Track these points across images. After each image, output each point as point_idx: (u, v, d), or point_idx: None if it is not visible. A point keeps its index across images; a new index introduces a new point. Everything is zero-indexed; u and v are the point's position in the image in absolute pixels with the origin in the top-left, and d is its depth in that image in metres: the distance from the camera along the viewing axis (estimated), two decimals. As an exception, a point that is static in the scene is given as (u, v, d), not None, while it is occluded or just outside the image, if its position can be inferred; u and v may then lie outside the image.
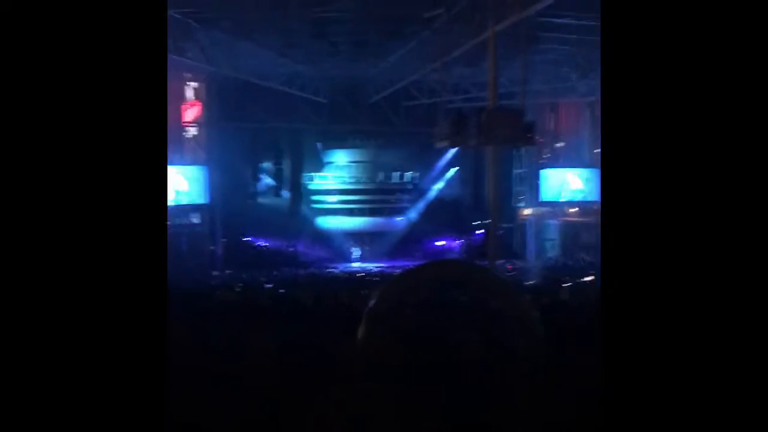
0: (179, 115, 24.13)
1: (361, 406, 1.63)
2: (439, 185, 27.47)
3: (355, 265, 25.19)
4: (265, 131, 24.60)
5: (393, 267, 22.87)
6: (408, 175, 26.71)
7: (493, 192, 15.55)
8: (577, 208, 26.32)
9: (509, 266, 21.23)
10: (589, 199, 25.36)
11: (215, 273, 21.63)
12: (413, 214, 27.46)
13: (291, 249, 25.67)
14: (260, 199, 25.47)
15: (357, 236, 26.91)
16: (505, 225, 24.44)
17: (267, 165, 25.49)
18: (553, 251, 25.33)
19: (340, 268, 24.13)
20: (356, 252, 26.42)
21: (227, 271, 21.59)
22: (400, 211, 27.27)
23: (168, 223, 23.19)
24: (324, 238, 26.58)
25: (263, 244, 25.38)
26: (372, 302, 1.75)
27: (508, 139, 13.87)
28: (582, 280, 13.27)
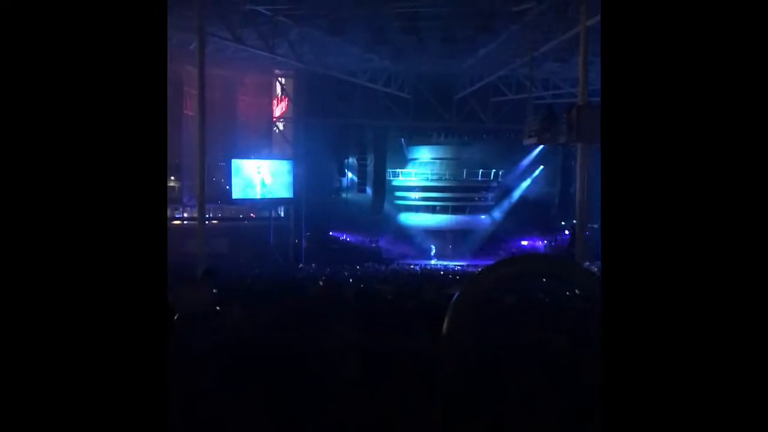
0: (269, 110, 24.86)
1: (443, 403, 1.59)
2: (526, 183, 26.87)
3: (435, 262, 25.02)
4: (350, 127, 24.86)
5: (475, 265, 22.58)
6: (493, 172, 26.30)
7: (581, 190, 15.04)
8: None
9: (595, 268, 20.51)
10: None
11: (301, 266, 22.10)
12: (497, 213, 27.01)
13: (373, 245, 25.85)
14: (344, 195, 25.77)
15: (440, 234, 26.77)
16: (593, 225, 23.63)
17: (351, 161, 25.74)
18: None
19: (422, 265, 24.08)
20: (433, 249, 26.24)
21: (312, 265, 22.02)
22: (484, 209, 26.89)
23: (254, 215, 24.03)
24: (406, 235, 26.60)
25: (346, 239, 25.69)
26: (456, 296, 1.69)
27: (599, 137, 13.39)
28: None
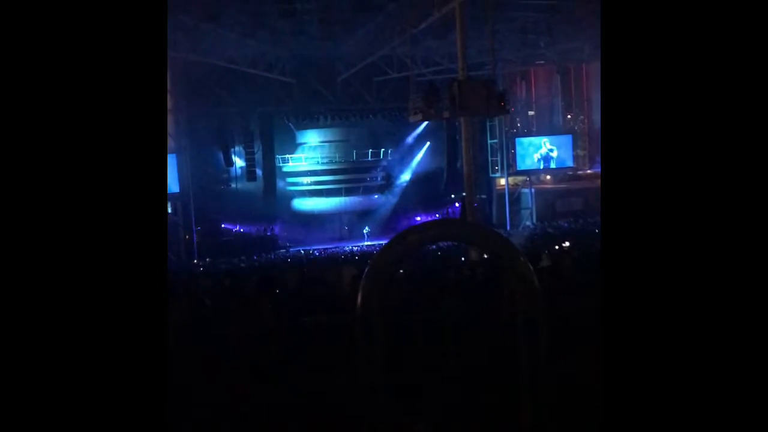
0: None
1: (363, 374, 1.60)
2: (415, 161, 27.38)
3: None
4: (235, 115, 24.22)
5: (372, 246, 22.81)
6: (382, 151, 26.57)
7: (467, 163, 15.51)
8: (549, 176, 26.50)
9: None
10: (563, 165, 25.54)
11: (195, 261, 21.41)
12: (390, 191, 27.38)
13: (269, 233, 25.47)
14: (233, 185, 25.12)
15: (336, 217, 26.79)
16: (481, 196, 24.50)
17: (238, 149, 25.10)
18: (529, 219, 25.52)
19: (320, 248, 24.01)
20: (366, 229, 26.00)
21: (207, 259, 21.39)
22: (377, 189, 27.17)
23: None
24: (302, 220, 26.39)
25: (240, 230, 25.12)
26: (367, 269, 1.70)
27: (481, 110, 13.86)
28: (561, 246, 13.37)
